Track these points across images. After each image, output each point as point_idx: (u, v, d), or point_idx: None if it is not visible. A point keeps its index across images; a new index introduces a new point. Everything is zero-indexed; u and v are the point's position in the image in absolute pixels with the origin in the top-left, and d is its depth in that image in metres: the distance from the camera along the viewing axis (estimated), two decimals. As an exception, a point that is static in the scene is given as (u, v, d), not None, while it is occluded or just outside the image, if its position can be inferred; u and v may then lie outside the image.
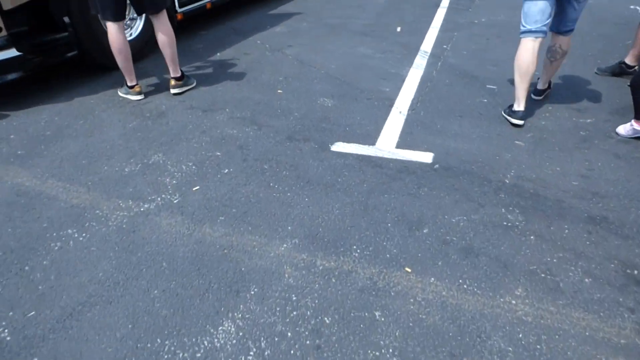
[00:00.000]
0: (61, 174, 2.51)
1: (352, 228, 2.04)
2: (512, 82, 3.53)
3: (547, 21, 2.74)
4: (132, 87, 3.37)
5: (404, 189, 2.30)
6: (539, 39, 2.79)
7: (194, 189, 2.35)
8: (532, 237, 1.97)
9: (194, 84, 3.49)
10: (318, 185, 2.35)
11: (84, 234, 2.06)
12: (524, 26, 2.82)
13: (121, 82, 3.43)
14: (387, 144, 2.72)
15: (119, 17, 3.10)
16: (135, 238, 2.02)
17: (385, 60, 4.14)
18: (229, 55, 4.32)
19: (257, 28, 5.18)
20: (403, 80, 3.68)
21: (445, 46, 4.53)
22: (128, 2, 3.26)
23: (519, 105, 2.91)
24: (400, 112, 3.13)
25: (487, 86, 3.54)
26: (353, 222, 2.08)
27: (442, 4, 6.31)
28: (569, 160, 2.54)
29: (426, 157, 2.58)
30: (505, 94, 3.39)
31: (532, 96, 3.27)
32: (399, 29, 5.15)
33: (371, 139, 2.78)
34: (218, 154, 2.66)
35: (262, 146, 2.73)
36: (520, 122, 2.89)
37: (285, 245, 1.96)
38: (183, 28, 5.06)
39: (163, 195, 2.30)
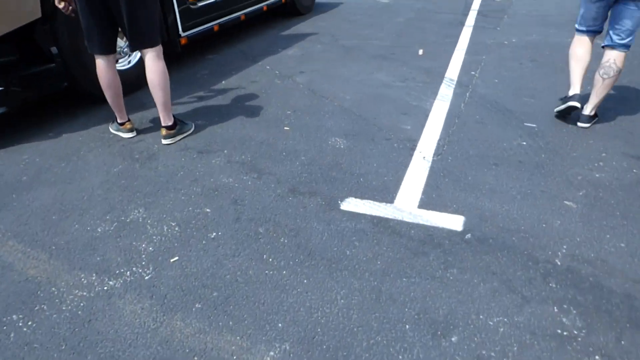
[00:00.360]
0: (25, 232, 2.13)
1: (360, 330, 1.58)
2: (554, 119, 3.04)
3: (603, 23, 2.87)
4: (122, 124, 3.00)
5: (427, 270, 1.84)
6: (593, 36, 2.93)
7: (172, 259, 1.92)
8: (597, 357, 1.47)
9: (191, 130, 3.03)
10: (321, 260, 1.90)
11: (30, 322, 1.66)
12: (580, 25, 2.93)
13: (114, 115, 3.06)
14: (408, 202, 2.26)
15: (107, 50, 2.72)
16: (89, 332, 1.61)
17: (406, 90, 3.68)
18: (234, 83, 3.93)
19: (267, 51, 4.79)
20: (427, 116, 3.21)
21: (473, 72, 4.05)
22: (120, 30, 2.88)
23: (574, 89, 2.93)
24: (424, 157, 2.67)
25: (525, 124, 3.05)
26: (361, 319, 1.62)
27: (467, 23, 5.83)
28: (636, 233, 2.03)
29: (455, 222, 2.11)
30: (547, 134, 2.89)
31: (579, 123, 3.00)
32: (420, 51, 4.69)
33: (389, 195, 2.32)
34: (208, 210, 2.24)
35: (259, 201, 2.30)
36: (578, 104, 2.88)
37: (272, 353, 1.51)
38: (189, 52, 4.71)
39: (134, 268, 1.88)
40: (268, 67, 4.31)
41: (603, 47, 2.85)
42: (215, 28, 4.66)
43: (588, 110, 2.96)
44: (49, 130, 3.10)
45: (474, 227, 2.07)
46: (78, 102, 3.48)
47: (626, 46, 2.75)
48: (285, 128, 3.07)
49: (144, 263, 1.91)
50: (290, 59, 4.55)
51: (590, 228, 2.05)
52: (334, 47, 4.92)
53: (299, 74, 4.09)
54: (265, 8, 5.59)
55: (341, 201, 2.28)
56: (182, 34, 4.21)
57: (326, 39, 5.22)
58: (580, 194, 2.31)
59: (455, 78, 3.92)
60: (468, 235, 2.02)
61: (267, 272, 1.84)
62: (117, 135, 3.02)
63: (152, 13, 2.68)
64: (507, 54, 4.55)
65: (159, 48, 2.76)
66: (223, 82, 3.97)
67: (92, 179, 2.54)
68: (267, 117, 3.24)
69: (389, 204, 2.25)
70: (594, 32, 2.90)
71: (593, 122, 2.99)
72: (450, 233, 2.04)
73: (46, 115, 3.32)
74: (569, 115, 3.03)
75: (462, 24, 5.78)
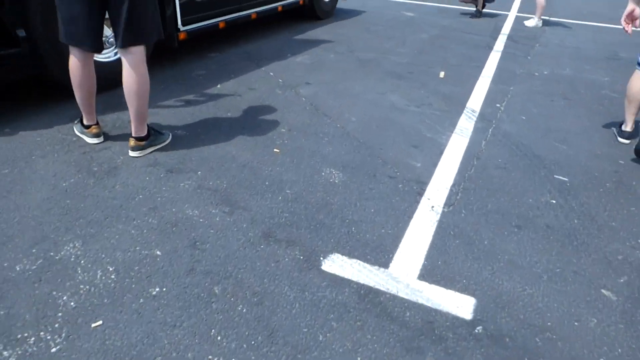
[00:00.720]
0: None
1: None
2: (588, 174, 2.54)
3: None
4: (88, 127, 2.57)
5: (421, 379, 1.37)
6: None
7: (93, 324, 1.48)
8: None
9: (166, 142, 2.59)
10: (284, 347, 1.44)
11: None
12: None
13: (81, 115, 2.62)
14: (406, 269, 1.80)
15: (93, 44, 2.29)
16: None
17: (420, 118, 3.22)
18: (230, 88, 3.49)
19: (275, 55, 4.35)
20: (441, 152, 2.74)
21: (498, 105, 3.57)
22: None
23: (627, 126, 3.05)
24: (432, 207, 2.21)
25: (556, 176, 2.57)
26: None
27: (495, 47, 5.34)
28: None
29: (464, 305, 1.64)
30: (581, 193, 2.42)
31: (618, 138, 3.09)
32: (442, 74, 4.22)
33: (385, 255, 1.86)
34: (158, 253, 1.79)
35: (224, 247, 1.85)
36: (626, 141, 3.00)
37: None
38: (189, 48, 4.29)
39: (42, 333, 1.44)
40: (272, 74, 3.87)
41: None
42: (221, 25, 4.23)
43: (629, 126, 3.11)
44: (5, 125, 2.68)
45: (487, 316, 1.61)
46: (53, 94, 3.06)
47: None
48: (275, 150, 2.62)
49: (57, 326, 1.46)
50: (298, 66, 4.11)
51: (634, 334, 1.57)
52: (349, 58, 4.47)
53: (304, 85, 3.64)
54: (280, 8, 5.16)
55: (324, 258, 1.83)
56: (182, 28, 3.78)
57: (341, 49, 4.77)
58: (622, 280, 1.83)
59: (478, 109, 3.45)
60: (478, 329, 1.55)
61: (210, 357, 1.39)
62: (81, 138, 2.59)
63: (154, 4, 2.28)
64: (537, 88, 4.06)
65: (141, 50, 2.32)
66: (218, 85, 3.54)
67: (33, 193, 2.11)
68: (258, 133, 2.80)
69: (382, 269, 1.79)
70: None
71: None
72: (456, 322, 1.57)
73: (10, 107, 2.91)
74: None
75: (490, 48, 5.30)
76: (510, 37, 5.88)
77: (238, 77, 3.75)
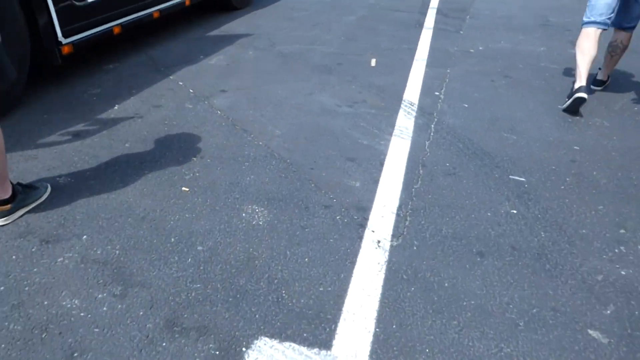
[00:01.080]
0: None
1: None
2: (545, 168, 2.23)
3: (611, 15, 2.86)
4: None
5: None
6: (600, 30, 2.88)
7: None
8: None
9: (43, 197, 2.02)
10: None
11: None
12: (588, 17, 2.91)
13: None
14: (354, 348, 1.39)
15: None
16: None
17: (354, 120, 2.81)
18: (130, 108, 2.91)
19: (184, 59, 3.78)
20: (381, 163, 2.35)
21: (437, 93, 3.23)
22: None
23: (581, 81, 2.84)
24: (378, 242, 1.81)
25: (512, 177, 2.25)
26: None
27: (426, 24, 5.01)
28: None
29: (431, 394, 1.26)
30: (542, 195, 2.11)
31: (592, 87, 3.23)
32: (373, 61, 3.82)
33: (325, 331, 1.45)
34: (15, 381, 1.28)
35: (111, 354, 1.36)
36: (585, 95, 2.78)
37: None
38: (78, 60, 3.62)
39: None
40: (181, 83, 3.31)
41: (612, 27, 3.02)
42: (116, 30, 3.59)
43: (600, 75, 3.27)
44: None
45: (462, 405, 1.23)
46: None
47: (633, 27, 3.04)
48: (184, 189, 2.12)
49: None
50: (211, 70, 3.57)
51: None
52: (270, 54, 3.97)
53: (218, 95, 3.13)
54: (188, 2, 4.53)
55: (247, 347, 1.39)
56: (64, 41, 3.12)
57: (261, 43, 4.25)
58: (608, 312, 1.53)
59: (416, 102, 3.08)
60: None
61: None
62: None
63: None
64: (474, 67, 3.76)
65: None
66: (116, 106, 2.95)
67: None
68: (162, 167, 2.28)
69: (324, 353, 1.37)
70: (604, 25, 2.87)
71: (605, 85, 3.30)
72: (425, 423, 1.19)
73: None
74: (577, 111, 2.90)
75: (421, 25, 4.96)
76: (439, 11, 5.58)
77: (140, 91, 3.17)
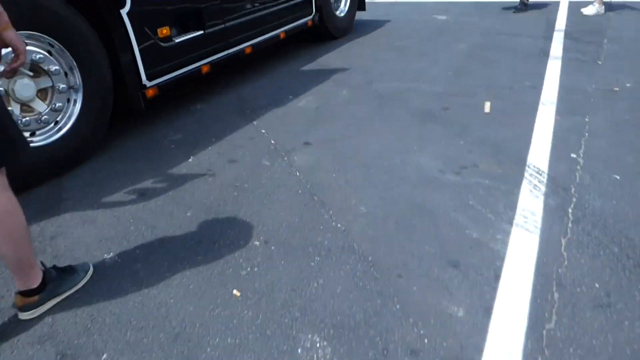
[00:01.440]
0: None
1: None
2: None
3: None
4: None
5: None
6: None
7: None
8: None
9: (79, 285, 1.68)
10: None
11: None
12: None
13: None
14: None
15: None
16: None
17: (462, 196, 2.13)
18: (205, 162, 2.56)
19: (272, 100, 3.38)
20: (497, 277, 1.65)
21: (574, 155, 2.41)
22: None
23: None
24: None
25: None
26: None
27: (552, 52, 4.08)
28: None
29: None
30: None
31: None
32: (487, 106, 3.07)
33: None
34: None
35: None
36: None
37: None
38: (165, 100, 3.40)
39: None
40: (263, 131, 2.90)
41: None
42: (205, 69, 3.32)
43: None
44: None
45: None
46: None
47: None
48: (235, 293, 1.65)
49: None
50: (299, 115, 3.12)
51: None
52: (365, 94, 3.42)
53: (301, 149, 2.65)
54: (283, 35, 4.18)
55: None
56: (148, 84, 2.89)
57: (357, 79, 3.72)
58: None
59: (545, 169, 2.30)
60: None
61: None
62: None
63: None
64: (623, 114, 2.83)
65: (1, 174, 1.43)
66: (191, 158, 2.62)
67: None
68: (218, 252, 1.84)
69: None
70: None
71: None
72: None
73: None
74: None
75: (547, 54, 4.04)
76: (568, 34, 4.58)
77: (220, 140, 2.81)
